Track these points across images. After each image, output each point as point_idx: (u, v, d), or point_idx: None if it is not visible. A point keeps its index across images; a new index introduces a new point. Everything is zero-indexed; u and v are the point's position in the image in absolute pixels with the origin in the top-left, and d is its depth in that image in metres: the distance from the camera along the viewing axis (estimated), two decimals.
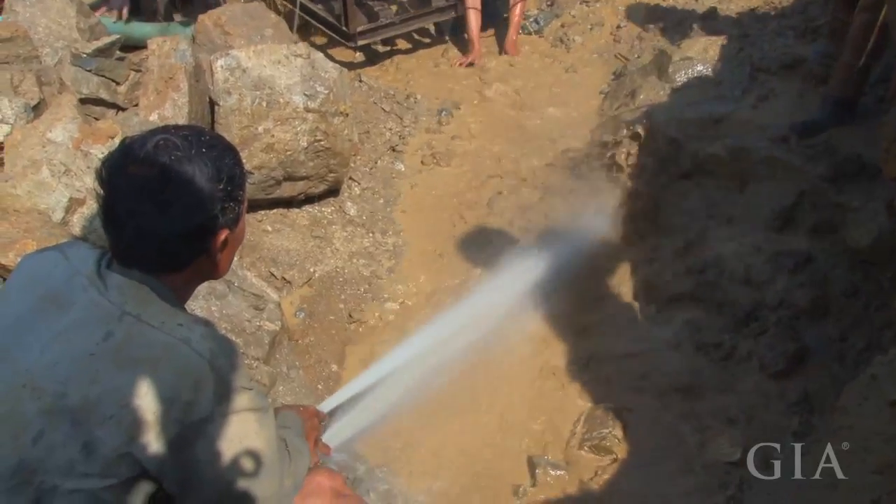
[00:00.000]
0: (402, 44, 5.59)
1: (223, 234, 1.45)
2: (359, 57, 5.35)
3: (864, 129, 3.67)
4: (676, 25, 5.03)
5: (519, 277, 3.81)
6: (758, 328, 3.33)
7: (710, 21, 4.95)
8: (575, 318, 3.65)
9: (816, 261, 3.45)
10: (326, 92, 3.69)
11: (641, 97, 4.43)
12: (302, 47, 3.82)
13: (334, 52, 5.34)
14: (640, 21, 5.30)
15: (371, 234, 4.02)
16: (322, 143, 3.72)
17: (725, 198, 3.79)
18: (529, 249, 3.91)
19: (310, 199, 4.01)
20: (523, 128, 4.63)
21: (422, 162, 4.44)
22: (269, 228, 3.86)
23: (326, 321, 3.62)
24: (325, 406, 2.58)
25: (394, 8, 5.58)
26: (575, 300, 3.74)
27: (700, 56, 4.49)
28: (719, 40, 4.56)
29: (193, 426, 1.32)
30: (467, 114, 4.78)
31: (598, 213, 3.98)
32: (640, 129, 4.17)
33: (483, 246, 3.98)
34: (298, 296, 3.65)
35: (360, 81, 4.81)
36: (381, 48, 5.45)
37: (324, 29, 5.18)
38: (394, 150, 4.43)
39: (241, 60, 3.57)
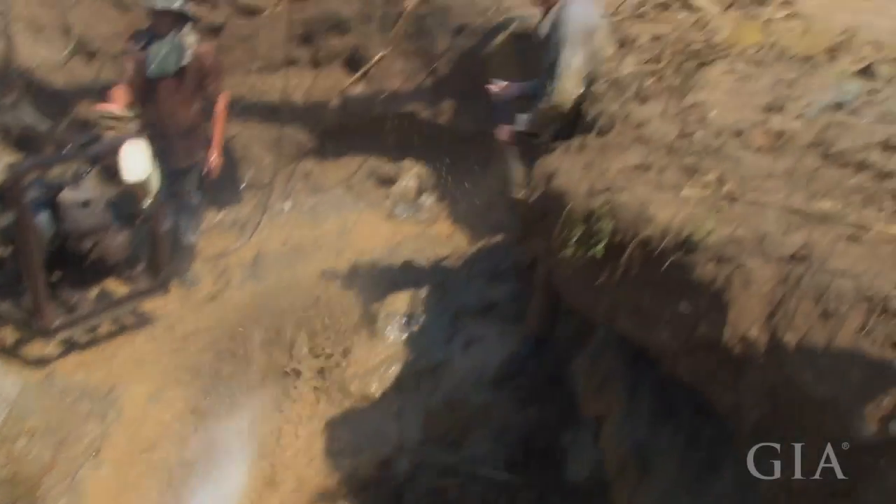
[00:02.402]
0: (107, 325, 5.25)
1: None
2: (54, 350, 4.90)
3: (562, 364, 3.97)
4: (378, 279, 5.26)
5: None
6: None
7: (409, 273, 5.24)
8: None
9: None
10: (5, 413, 3.27)
11: (353, 356, 4.50)
12: None
13: (27, 348, 4.84)
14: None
15: None
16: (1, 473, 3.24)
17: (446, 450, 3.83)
18: None
19: None
20: None
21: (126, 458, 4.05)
22: None
23: None
24: None
25: (94, 293, 5.25)
26: None
27: (404, 309, 4.69)
28: (420, 292, 4.81)
29: None
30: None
31: None
32: None
33: None
34: None
35: (54, 382, 4.35)
36: (81, 337, 5.05)
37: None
38: (97, 454, 3.99)
39: None
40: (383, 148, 6.39)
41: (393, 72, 6.01)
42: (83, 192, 4.31)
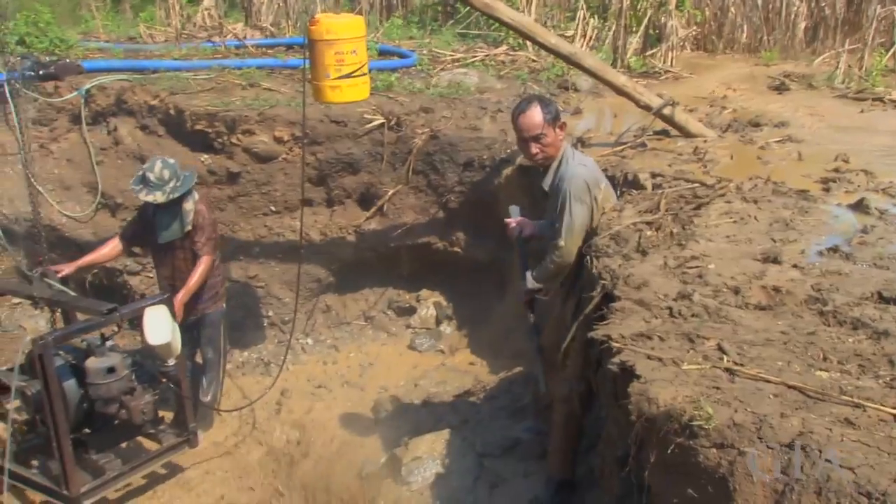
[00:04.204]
0: (138, 479, 5.30)
1: None
2: None
3: None
4: (401, 419, 5.28)
5: None
6: None
7: (432, 411, 5.27)
8: None
9: None
10: None
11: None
12: None
13: None
14: None
15: None
16: None
17: None
18: None
19: None
20: None
21: None
22: None
23: None
24: None
25: (122, 451, 5.32)
26: None
27: (428, 453, 4.70)
28: (444, 433, 4.83)
29: None
30: None
31: None
32: None
33: None
34: None
35: None
36: (112, 495, 5.11)
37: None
38: None
39: None
40: (400, 279, 6.56)
41: (406, 206, 6.22)
42: (108, 359, 4.45)
